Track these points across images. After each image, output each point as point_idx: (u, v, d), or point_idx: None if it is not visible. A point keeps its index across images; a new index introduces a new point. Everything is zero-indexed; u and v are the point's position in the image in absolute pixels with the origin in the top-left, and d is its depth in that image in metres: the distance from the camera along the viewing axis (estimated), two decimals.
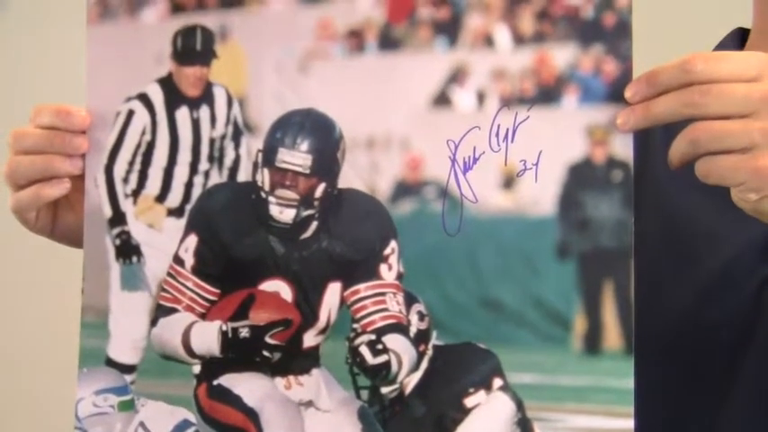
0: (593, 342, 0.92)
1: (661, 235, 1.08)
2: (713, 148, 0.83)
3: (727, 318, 1.04)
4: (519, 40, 0.95)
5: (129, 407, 1.05)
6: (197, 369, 1.02)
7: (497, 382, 0.94)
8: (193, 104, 1.03)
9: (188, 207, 1.03)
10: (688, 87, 0.83)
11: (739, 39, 1.14)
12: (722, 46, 1.14)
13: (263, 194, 0.98)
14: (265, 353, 0.99)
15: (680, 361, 1.06)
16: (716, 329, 1.05)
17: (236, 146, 1.02)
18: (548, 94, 0.94)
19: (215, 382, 1.01)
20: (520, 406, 0.93)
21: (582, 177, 0.91)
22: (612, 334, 0.91)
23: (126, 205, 1.05)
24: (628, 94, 0.86)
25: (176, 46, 1.03)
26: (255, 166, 0.99)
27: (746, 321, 1.03)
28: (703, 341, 1.05)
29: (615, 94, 0.88)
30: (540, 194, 0.92)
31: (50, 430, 1.80)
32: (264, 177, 0.98)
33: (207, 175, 1.03)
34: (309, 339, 0.99)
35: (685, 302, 1.06)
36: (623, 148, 0.89)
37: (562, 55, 0.94)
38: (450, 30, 0.97)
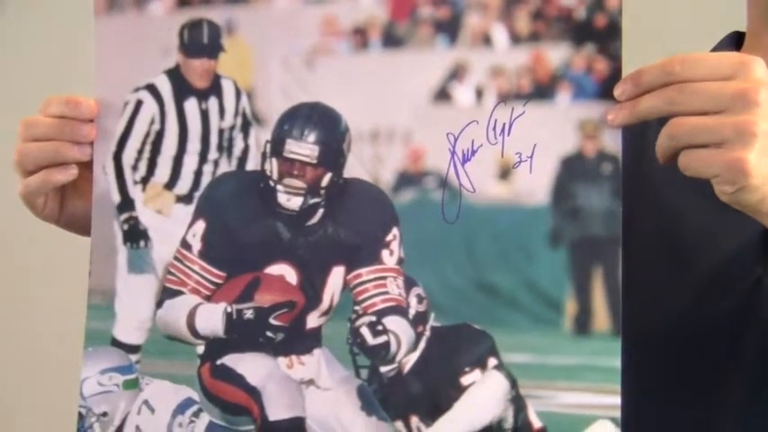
0: (582, 324, 0.97)
1: (658, 235, 1.11)
2: (690, 142, 0.87)
3: (723, 316, 1.06)
4: (515, 39, 0.99)
5: (133, 385, 1.07)
6: (201, 349, 1.05)
7: (492, 362, 0.98)
8: (202, 96, 1.07)
9: (197, 194, 1.06)
10: (669, 86, 0.88)
11: (735, 42, 1.17)
12: (718, 49, 1.16)
13: (272, 183, 1.02)
14: (269, 333, 1.02)
15: (678, 358, 1.08)
16: (712, 328, 1.06)
17: (245, 136, 1.06)
18: (542, 90, 0.98)
19: (218, 362, 1.04)
20: (514, 384, 0.97)
21: (574, 169, 0.96)
22: (601, 316, 0.96)
23: (135, 192, 1.08)
24: (616, 92, 0.91)
25: (183, 39, 1.06)
26: (264, 156, 1.02)
27: (741, 320, 1.05)
28: (700, 339, 1.07)
29: (605, 91, 0.92)
30: (535, 185, 0.96)
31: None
32: (273, 167, 1.02)
33: (216, 164, 1.06)
34: (312, 321, 1.03)
35: (682, 301, 1.08)
36: (613, 142, 0.94)
37: (556, 54, 0.98)
38: (450, 28, 1.01)
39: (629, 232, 1.07)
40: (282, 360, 1.03)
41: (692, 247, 1.09)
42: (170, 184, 1.07)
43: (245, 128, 1.06)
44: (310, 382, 1.03)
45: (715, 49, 1.17)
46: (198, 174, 1.06)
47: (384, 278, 1.01)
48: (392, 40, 1.03)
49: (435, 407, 0.99)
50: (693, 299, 1.08)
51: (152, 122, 1.07)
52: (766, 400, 1.04)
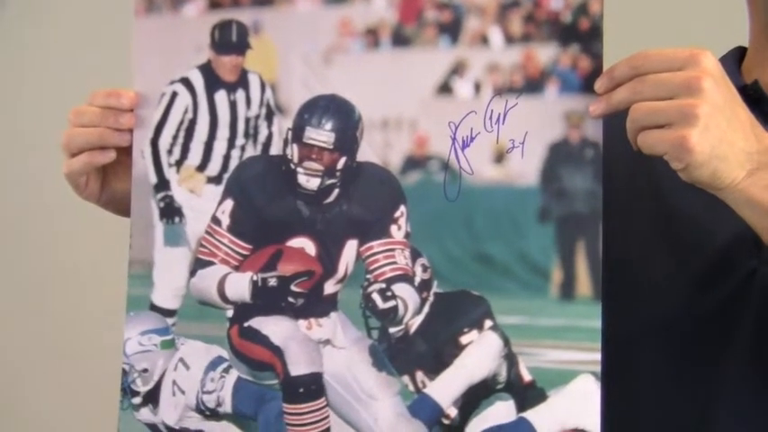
0: (567, 290, 1.04)
1: (656, 227, 1.16)
2: (645, 124, 0.96)
3: (718, 307, 1.10)
4: (509, 39, 1.07)
5: (170, 345, 1.17)
6: (230, 313, 1.14)
7: (488, 323, 1.06)
8: (230, 88, 1.16)
9: (226, 176, 1.15)
10: (634, 79, 0.97)
11: (739, 56, 1.22)
12: (723, 62, 1.13)
13: (293, 166, 1.11)
14: (290, 299, 1.11)
15: (675, 347, 1.12)
16: (708, 318, 1.10)
17: (269, 124, 1.15)
18: (533, 85, 1.06)
19: (245, 324, 1.13)
20: (507, 342, 1.06)
21: (560, 154, 1.04)
22: (584, 283, 1.04)
23: (170, 173, 1.17)
24: (596, 86, 1.00)
25: (214, 37, 1.16)
26: (286, 142, 1.11)
27: (736, 310, 1.08)
28: (697, 329, 1.11)
29: (588, 86, 1.01)
30: (526, 168, 1.04)
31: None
32: (294, 151, 1.11)
33: (243, 148, 1.15)
34: (329, 288, 1.12)
35: (680, 292, 1.12)
36: (594, 130, 1.02)
37: (545, 53, 1.06)
38: (452, 30, 1.09)
39: (629, 224, 1.13)
40: (302, 322, 1.12)
41: (689, 238, 1.13)
42: (202, 167, 1.17)
43: (269, 117, 1.15)
44: (327, 341, 1.12)
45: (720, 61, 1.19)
46: (227, 157, 1.16)
47: (393, 250, 1.09)
48: (400, 40, 1.11)
49: (438, 363, 1.07)
50: (690, 289, 1.12)
51: (186, 112, 1.17)
52: (761, 388, 1.08)
